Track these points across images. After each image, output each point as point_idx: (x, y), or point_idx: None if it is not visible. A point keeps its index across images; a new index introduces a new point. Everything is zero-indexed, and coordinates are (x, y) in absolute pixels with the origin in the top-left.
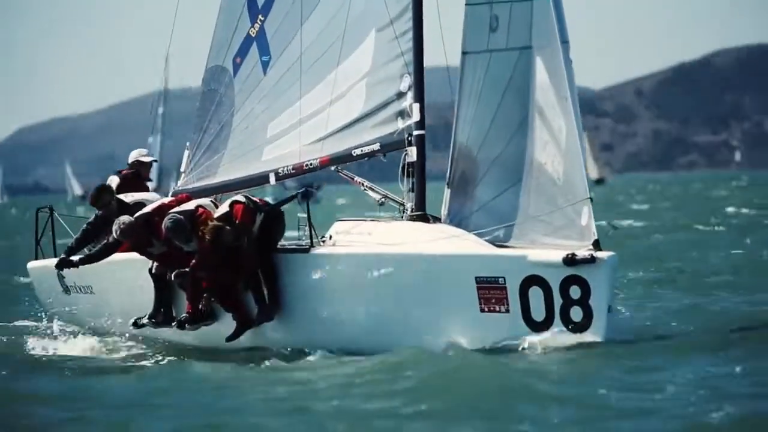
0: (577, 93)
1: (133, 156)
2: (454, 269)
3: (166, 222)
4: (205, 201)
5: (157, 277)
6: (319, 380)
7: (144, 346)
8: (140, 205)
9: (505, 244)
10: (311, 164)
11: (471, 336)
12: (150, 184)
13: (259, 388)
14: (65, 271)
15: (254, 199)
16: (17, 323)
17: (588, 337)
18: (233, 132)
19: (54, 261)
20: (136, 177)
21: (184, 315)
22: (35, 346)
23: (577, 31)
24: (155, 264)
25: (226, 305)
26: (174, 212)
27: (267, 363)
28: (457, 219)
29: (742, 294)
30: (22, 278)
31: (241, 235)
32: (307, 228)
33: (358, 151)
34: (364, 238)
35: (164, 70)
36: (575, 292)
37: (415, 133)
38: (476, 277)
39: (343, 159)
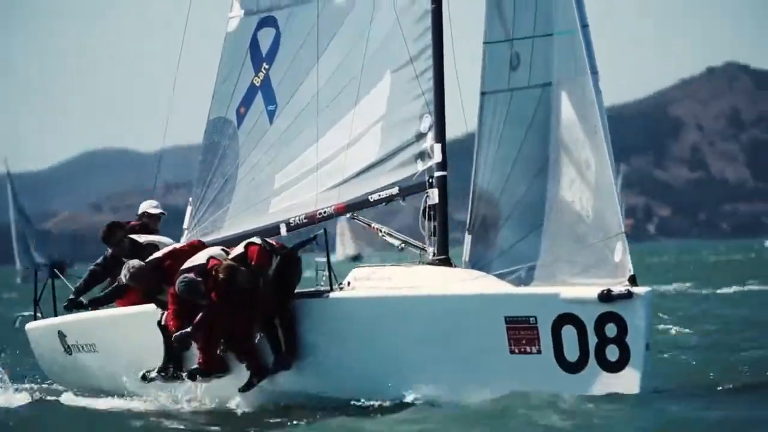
0: (607, 125)
1: (143, 207)
2: (481, 309)
3: (178, 285)
4: (215, 251)
5: (166, 329)
6: None
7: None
8: (153, 247)
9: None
10: (325, 212)
11: (500, 379)
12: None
13: None
14: (67, 327)
15: (270, 241)
16: None
17: (625, 377)
18: (238, 185)
19: (55, 320)
20: (143, 229)
21: (195, 366)
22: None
23: None
24: (164, 314)
25: (240, 354)
26: (184, 270)
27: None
28: (479, 265)
29: None
30: None
31: (257, 277)
32: (325, 272)
33: (375, 196)
34: (385, 284)
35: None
36: (611, 330)
37: (437, 174)
38: (506, 317)
39: (359, 205)
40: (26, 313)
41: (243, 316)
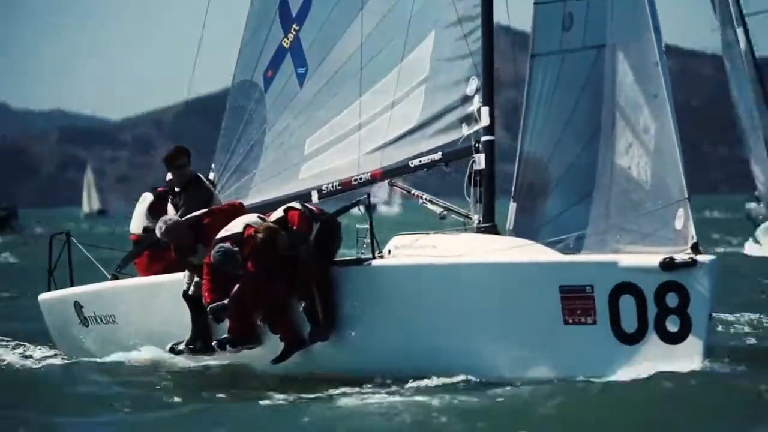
0: (670, 87)
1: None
2: (534, 278)
3: (213, 254)
4: (252, 218)
5: (194, 300)
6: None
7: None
8: (210, 193)
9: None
10: (361, 178)
11: (554, 351)
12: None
13: None
14: (85, 298)
15: (310, 206)
16: None
17: (686, 348)
18: (265, 150)
19: (71, 290)
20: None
21: (225, 336)
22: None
23: None
24: (190, 285)
25: (275, 324)
26: (219, 239)
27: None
28: (525, 233)
29: None
30: None
31: (297, 243)
32: (366, 240)
33: (416, 162)
34: (429, 252)
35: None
36: (672, 299)
37: (484, 138)
38: (560, 286)
39: (399, 171)
40: None
41: (281, 283)
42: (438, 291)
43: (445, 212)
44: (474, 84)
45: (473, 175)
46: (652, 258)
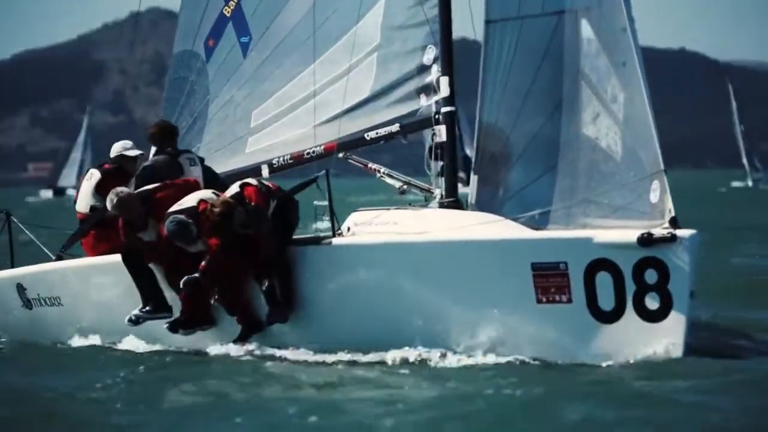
0: (641, 55)
1: (116, 150)
2: (505, 255)
3: (167, 225)
4: (206, 194)
5: (131, 261)
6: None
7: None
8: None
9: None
10: (313, 152)
11: (526, 331)
12: None
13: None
14: (28, 280)
15: (266, 183)
16: None
17: (667, 326)
18: (209, 123)
19: (13, 272)
20: (119, 172)
21: (177, 317)
22: None
23: None
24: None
25: (231, 304)
26: (173, 212)
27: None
28: (488, 208)
29: None
30: None
31: (255, 219)
32: (325, 217)
33: (372, 134)
34: (390, 228)
35: None
36: (651, 276)
37: (445, 109)
38: (532, 264)
39: (354, 144)
40: None
41: (237, 262)
42: (404, 271)
43: (404, 186)
44: (432, 53)
45: (434, 147)
46: (629, 233)
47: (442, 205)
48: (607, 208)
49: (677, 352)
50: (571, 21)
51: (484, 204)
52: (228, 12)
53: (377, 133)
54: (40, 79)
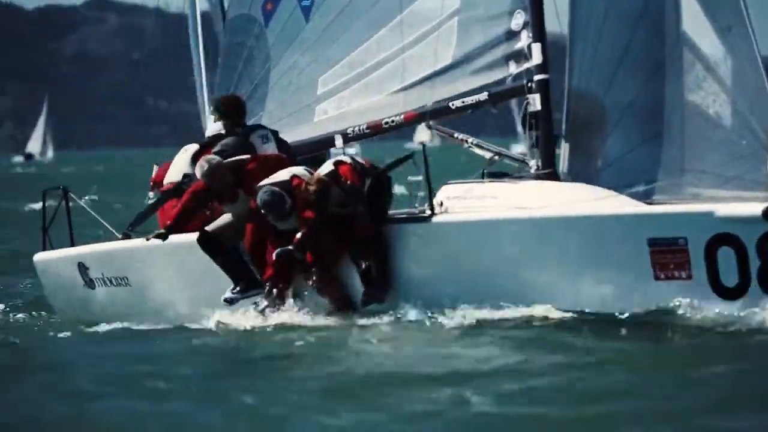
0: (750, 20)
1: (215, 129)
2: (620, 230)
3: (260, 195)
4: (299, 170)
5: (207, 242)
6: None
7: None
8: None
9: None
10: (393, 121)
11: (644, 309)
12: None
13: None
14: (91, 258)
15: (360, 160)
16: None
17: None
18: (272, 91)
19: (74, 250)
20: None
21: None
22: None
23: None
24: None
25: (323, 284)
26: (266, 184)
27: None
28: (582, 177)
29: None
30: None
31: (352, 198)
32: (421, 193)
33: (458, 103)
34: (488, 203)
35: None
36: None
37: (538, 77)
38: (649, 239)
39: (438, 113)
40: None
41: (330, 241)
42: (512, 248)
43: (496, 157)
44: (521, 18)
45: (528, 117)
46: (753, 206)
47: (538, 177)
48: (719, 178)
49: None
50: None
51: (577, 174)
52: None
53: (463, 102)
54: None
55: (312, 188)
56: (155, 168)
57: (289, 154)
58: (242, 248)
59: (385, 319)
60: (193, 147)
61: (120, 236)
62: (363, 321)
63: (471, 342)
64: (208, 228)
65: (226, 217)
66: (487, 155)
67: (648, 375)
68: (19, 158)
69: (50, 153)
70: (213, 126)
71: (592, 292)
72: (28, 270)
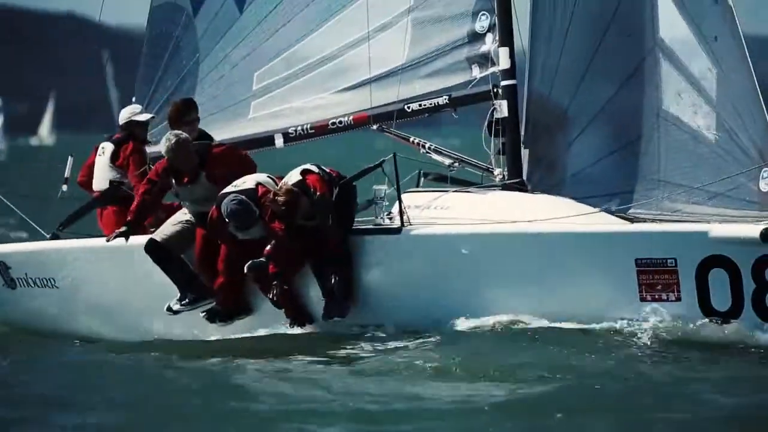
0: (739, 27)
1: (125, 116)
2: (607, 249)
3: (227, 203)
4: (262, 177)
5: (155, 250)
6: None
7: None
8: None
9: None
10: (341, 122)
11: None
12: None
13: None
14: (13, 258)
15: (326, 169)
16: None
17: None
18: (201, 84)
19: None
20: (131, 140)
21: (215, 307)
22: None
23: None
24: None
25: (283, 297)
26: (232, 191)
27: None
28: (543, 187)
29: None
30: None
31: (321, 210)
32: (382, 204)
33: (414, 106)
34: (456, 213)
35: None
36: None
37: (505, 83)
38: (636, 259)
39: (390, 115)
40: None
41: (294, 253)
42: (485, 263)
43: (455, 164)
44: (485, 20)
45: (494, 123)
46: (750, 228)
47: (505, 187)
48: (701, 194)
49: None
50: None
51: (538, 183)
52: None
53: (420, 105)
54: None
55: (281, 199)
56: (70, 159)
57: None
58: (191, 256)
59: (352, 333)
60: (110, 147)
61: (48, 236)
62: (326, 334)
63: (450, 353)
64: (155, 235)
65: (174, 224)
66: (447, 161)
67: (629, 391)
68: None
69: None
70: (123, 114)
71: (574, 310)
72: None
